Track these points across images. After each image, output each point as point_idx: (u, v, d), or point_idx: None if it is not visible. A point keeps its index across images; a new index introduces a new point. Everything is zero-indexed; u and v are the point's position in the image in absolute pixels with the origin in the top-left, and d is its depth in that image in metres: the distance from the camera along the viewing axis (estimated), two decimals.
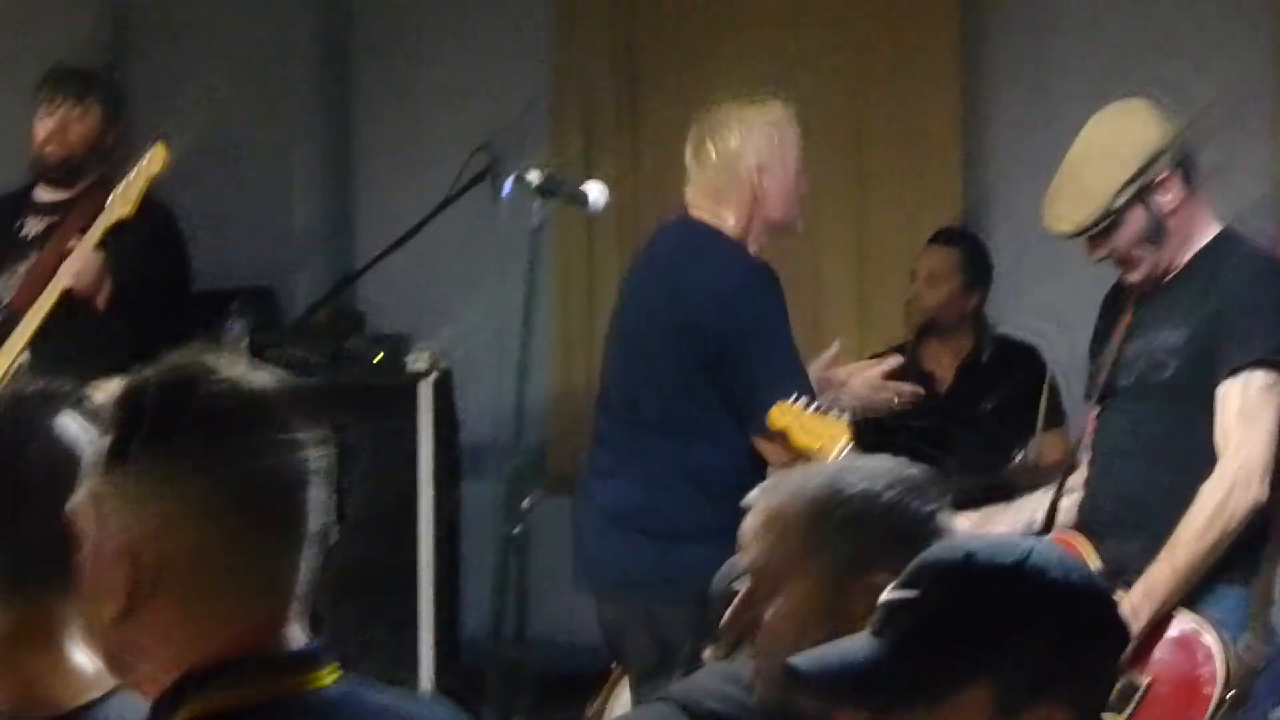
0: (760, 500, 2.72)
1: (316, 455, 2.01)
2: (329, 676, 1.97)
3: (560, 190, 4.55)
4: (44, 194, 6.05)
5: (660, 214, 7.18)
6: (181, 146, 5.52)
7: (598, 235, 7.38)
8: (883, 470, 2.71)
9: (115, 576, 1.92)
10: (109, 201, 5.60)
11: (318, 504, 2.00)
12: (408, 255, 6.16)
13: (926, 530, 2.59)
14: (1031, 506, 4.45)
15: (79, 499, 1.98)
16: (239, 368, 2.00)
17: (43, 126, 5.97)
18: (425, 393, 6.57)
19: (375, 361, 6.65)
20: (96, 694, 2.31)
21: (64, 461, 2.37)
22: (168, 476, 1.92)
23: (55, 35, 6.76)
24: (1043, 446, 5.90)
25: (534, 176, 4.47)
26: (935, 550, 2.17)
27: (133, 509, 1.92)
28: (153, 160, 5.55)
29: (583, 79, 7.43)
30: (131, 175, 5.59)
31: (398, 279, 6.82)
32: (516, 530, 4.21)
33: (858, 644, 2.11)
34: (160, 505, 1.92)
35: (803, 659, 2.15)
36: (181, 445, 1.93)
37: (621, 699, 5.49)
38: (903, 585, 2.11)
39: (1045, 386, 5.97)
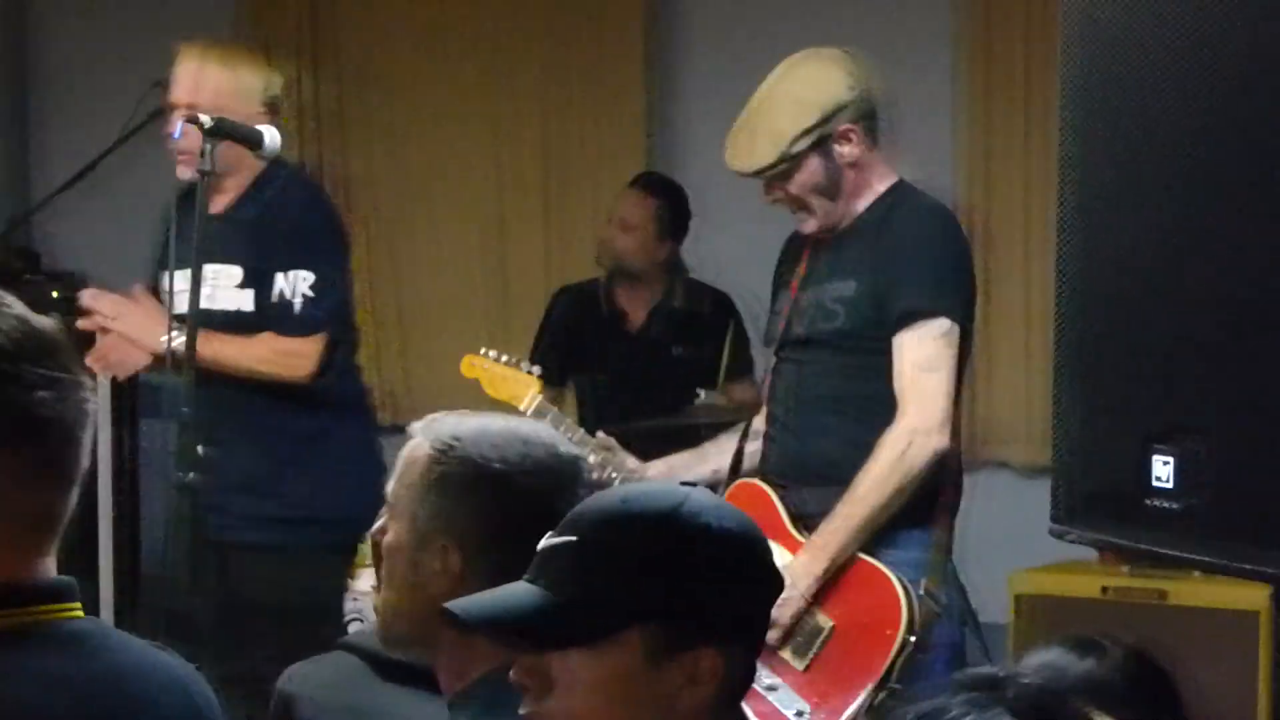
0: (418, 432, 2.67)
1: (91, 398, 2.02)
2: (79, 609, 2.02)
3: (234, 132, 4.44)
4: None
5: (341, 157, 7.20)
6: None
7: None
8: (504, 440, 2.62)
9: None
10: None
11: (89, 445, 2.01)
12: (82, 194, 6.01)
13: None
14: (717, 454, 4.46)
15: None
16: (21, 306, 2.01)
17: None
18: None
19: (53, 298, 6.48)
20: None
21: None
22: None
23: None
24: (730, 390, 5.96)
25: (205, 118, 4.34)
26: (594, 498, 2.20)
27: None
28: None
29: (267, 15, 7.30)
30: None
31: (74, 218, 6.68)
32: (190, 478, 4.09)
33: (518, 591, 2.12)
34: None
35: (462, 604, 2.15)
36: None
37: None
38: (560, 532, 2.12)
39: (730, 332, 6.03)
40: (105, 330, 4.61)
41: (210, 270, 4.52)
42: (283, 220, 4.69)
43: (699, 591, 2.09)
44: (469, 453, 2.58)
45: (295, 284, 4.61)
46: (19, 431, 1.94)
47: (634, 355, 6.18)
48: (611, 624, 2.06)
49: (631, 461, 4.41)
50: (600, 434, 4.46)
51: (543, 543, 2.13)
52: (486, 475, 2.56)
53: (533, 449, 2.59)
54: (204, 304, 4.50)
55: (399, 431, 6.69)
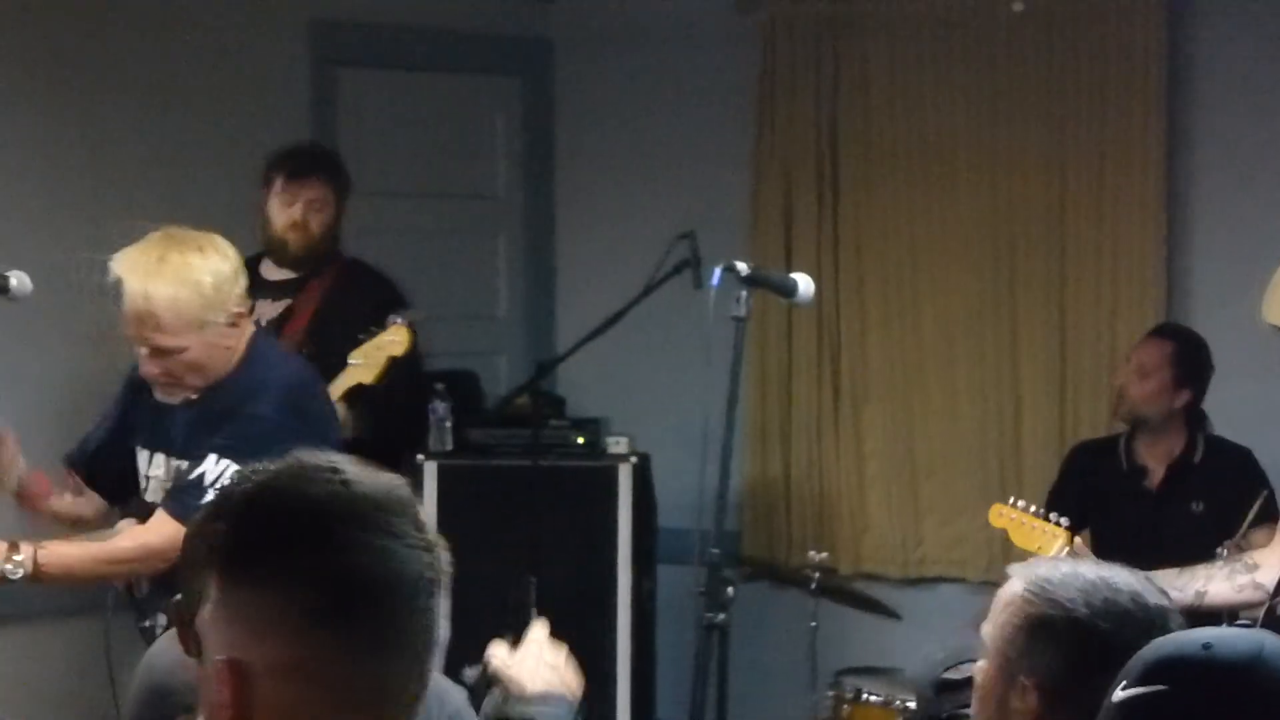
0: (1015, 573, 2.78)
1: (436, 560, 1.86)
2: None
3: (768, 281, 4.57)
4: (271, 273, 6.09)
5: (859, 307, 7.28)
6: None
7: (797, 326, 7.38)
8: (1091, 587, 2.71)
9: (222, 691, 1.79)
10: (350, 363, 5.53)
11: (434, 614, 1.85)
12: (607, 342, 6.22)
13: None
14: (1202, 576, 4.38)
15: (203, 614, 1.85)
16: (353, 468, 1.86)
17: (285, 214, 6.02)
18: (625, 475, 6.63)
19: (576, 444, 6.72)
20: None
21: None
22: (268, 584, 1.79)
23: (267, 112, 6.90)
24: (1253, 536, 5.79)
25: (742, 266, 4.50)
26: (1165, 644, 2.11)
27: (227, 621, 1.81)
28: (395, 343, 5.52)
29: (784, 169, 7.44)
30: (373, 344, 5.55)
31: (597, 365, 6.88)
32: (720, 618, 4.21)
33: None
34: (258, 612, 1.79)
35: None
36: (285, 549, 1.81)
37: None
38: (1138, 683, 2.06)
39: (1260, 499, 5.83)
40: None
41: (173, 464, 4.52)
42: (243, 408, 4.44)
43: None
44: (1057, 596, 2.69)
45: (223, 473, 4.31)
46: (344, 601, 1.79)
47: (1152, 511, 6.10)
48: None
49: None
50: None
51: (1116, 695, 2.07)
52: (1070, 619, 2.65)
53: (1119, 596, 2.68)
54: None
55: (914, 585, 6.77)
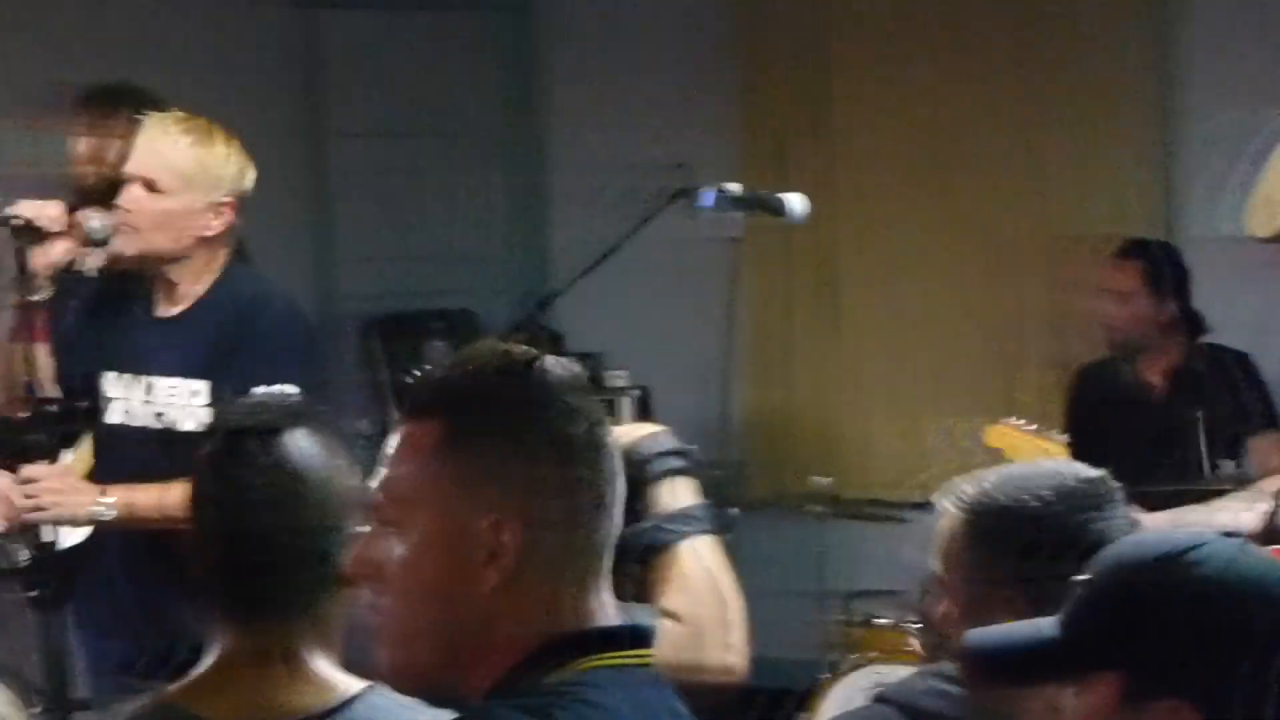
0: (942, 501, 2.71)
1: (606, 429, 2.06)
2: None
3: (761, 201, 4.55)
4: None
5: (858, 223, 7.27)
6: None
7: (795, 250, 7.36)
8: (1039, 480, 2.65)
9: (487, 549, 1.96)
10: None
11: (612, 473, 2.05)
12: (603, 275, 6.20)
13: (1080, 541, 2.51)
14: (1230, 510, 4.38)
15: (395, 492, 2.01)
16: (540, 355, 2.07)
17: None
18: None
19: None
20: (336, 701, 2.35)
21: (292, 485, 2.42)
22: (529, 446, 1.98)
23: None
24: (1259, 453, 5.79)
25: (734, 187, 4.48)
26: (1123, 539, 2.19)
27: (497, 482, 1.97)
28: None
29: (774, 91, 7.42)
30: None
31: (593, 299, 6.86)
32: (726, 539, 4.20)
33: (1042, 625, 2.10)
34: (526, 473, 1.97)
35: (984, 633, 2.16)
36: (536, 418, 1.99)
37: (828, 713, 5.49)
38: (1087, 569, 2.09)
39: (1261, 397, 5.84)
40: (39, 509, 4.22)
41: (165, 385, 4.34)
42: (259, 329, 4.31)
43: (1192, 641, 1.99)
44: (999, 501, 2.63)
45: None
46: (591, 465, 2.01)
47: (1157, 423, 6.08)
48: (1090, 664, 2.03)
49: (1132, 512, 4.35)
50: None
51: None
52: (1025, 515, 2.59)
53: (1064, 479, 2.63)
54: (160, 424, 4.31)
55: (920, 508, 6.73)
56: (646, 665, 2.03)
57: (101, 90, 5.37)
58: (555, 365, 2.04)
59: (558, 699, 1.93)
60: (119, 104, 5.23)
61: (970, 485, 2.69)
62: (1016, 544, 2.57)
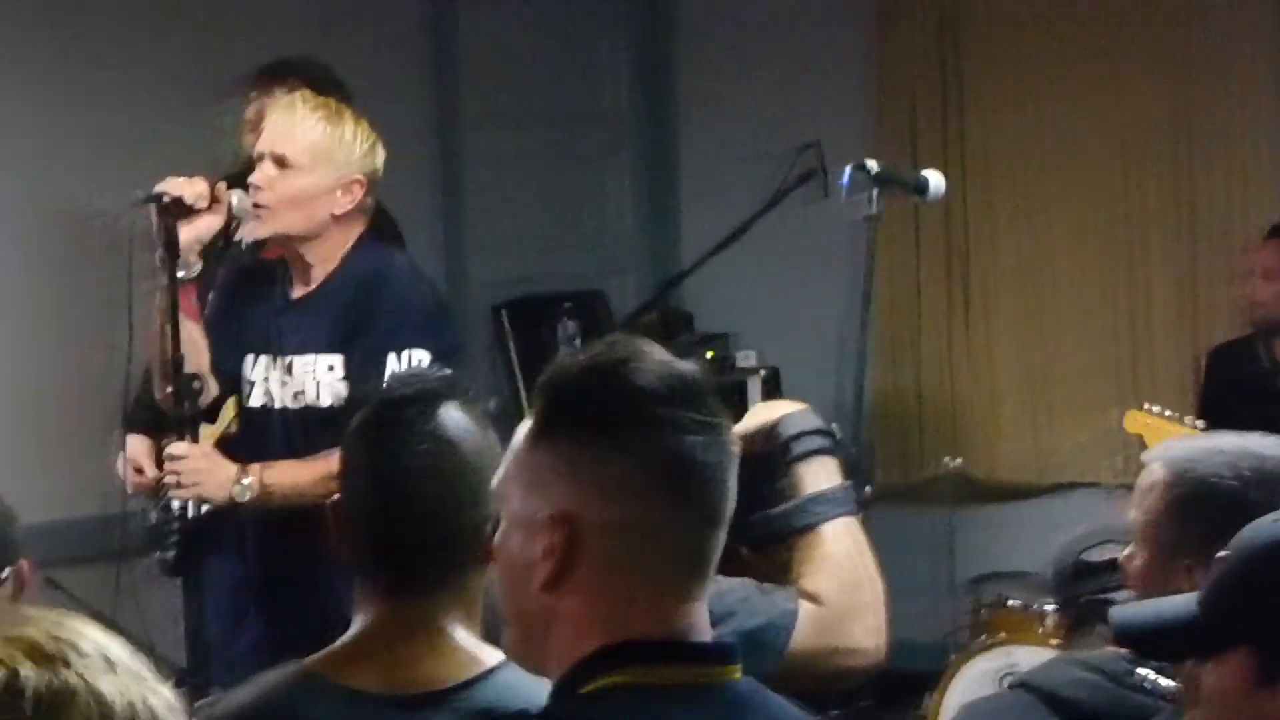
0: (1153, 459, 2.77)
1: (731, 440, 2.02)
2: (738, 671, 2.02)
3: (899, 178, 4.53)
4: None
5: (987, 209, 7.23)
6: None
7: (924, 228, 7.32)
8: (1234, 457, 2.69)
9: (544, 544, 1.95)
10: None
11: (731, 489, 2.01)
12: (732, 255, 6.20)
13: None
14: None
15: (504, 475, 2.03)
16: (664, 353, 2.04)
17: None
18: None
19: (706, 359, 6.71)
20: (476, 672, 2.38)
21: (447, 457, 2.44)
22: (602, 448, 1.96)
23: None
24: None
25: (872, 164, 4.45)
26: (1257, 522, 2.20)
27: (565, 480, 1.96)
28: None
29: (906, 71, 7.38)
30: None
31: (723, 279, 6.87)
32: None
33: (1179, 602, 2.16)
34: (594, 475, 1.96)
35: (1129, 608, 2.24)
36: (614, 421, 1.97)
37: (956, 695, 5.48)
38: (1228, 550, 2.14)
39: None
40: (181, 486, 4.26)
41: (301, 363, 4.37)
42: (388, 297, 4.34)
43: None
44: (1201, 472, 2.67)
45: (413, 366, 4.17)
46: (672, 474, 1.96)
47: None
48: (1224, 641, 2.08)
49: None
50: None
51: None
52: (1220, 492, 2.63)
53: (1265, 463, 2.66)
54: (298, 404, 4.35)
55: (1049, 492, 6.73)
56: (685, 683, 1.97)
57: (277, 64, 5.43)
58: (651, 371, 1.99)
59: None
60: (289, 76, 5.22)
61: (1180, 448, 2.76)
62: (1206, 518, 2.62)
